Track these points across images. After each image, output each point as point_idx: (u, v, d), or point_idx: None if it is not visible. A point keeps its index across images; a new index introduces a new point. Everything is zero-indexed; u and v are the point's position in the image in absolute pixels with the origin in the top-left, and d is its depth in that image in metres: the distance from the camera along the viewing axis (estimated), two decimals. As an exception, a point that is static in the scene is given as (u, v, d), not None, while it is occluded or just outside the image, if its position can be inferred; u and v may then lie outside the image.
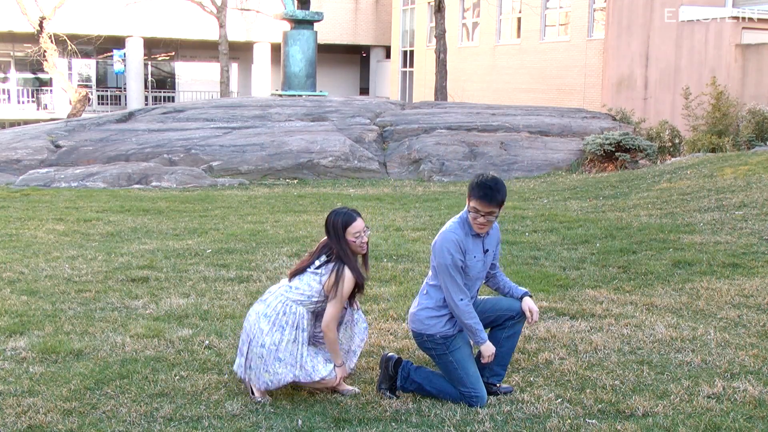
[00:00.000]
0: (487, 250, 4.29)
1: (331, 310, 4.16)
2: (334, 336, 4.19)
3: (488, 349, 4.23)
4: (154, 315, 5.73)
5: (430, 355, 4.35)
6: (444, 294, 4.19)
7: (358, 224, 4.18)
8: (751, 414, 4.01)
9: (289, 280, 4.28)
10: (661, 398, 4.22)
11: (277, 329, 4.15)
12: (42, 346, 4.95)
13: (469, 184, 4.22)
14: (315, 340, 4.34)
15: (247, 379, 4.25)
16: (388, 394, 4.27)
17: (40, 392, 4.28)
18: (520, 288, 4.49)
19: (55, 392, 4.27)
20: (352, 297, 4.27)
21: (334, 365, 4.21)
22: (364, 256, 4.30)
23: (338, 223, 4.16)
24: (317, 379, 4.16)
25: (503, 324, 4.40)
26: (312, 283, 4.20)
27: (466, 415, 4.04)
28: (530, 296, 4.43)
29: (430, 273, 4.37)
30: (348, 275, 4.13)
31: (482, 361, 4.28)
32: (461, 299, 4.14)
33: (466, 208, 4.24)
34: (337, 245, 4.16)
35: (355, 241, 4.17)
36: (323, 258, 4.22)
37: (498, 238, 4.41)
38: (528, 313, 4.35)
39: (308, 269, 4.24)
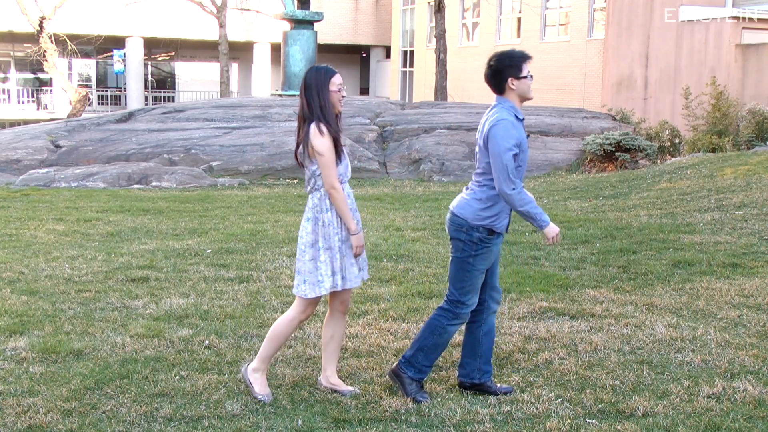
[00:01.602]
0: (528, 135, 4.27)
1: (324, 172, 4.09)
2: (341, 195, 4.12)
3: (552, 229, 4.21)
4: (154, 315, 5.73)
5: (455, 246, 4.27)
6: (496, 186, 4.15)
7: (339, 77, 4.18)
8: (751, 414, 4.01)
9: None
10: (661, 398, 4.22)
11: (314, 222, 4.18)
12: (42, 346, 4.95)
13: (503, 62, 4.17)
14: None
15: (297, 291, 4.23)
16: (425, 397, 4.25)
17: (40, 392, 4.28)
18: None
19: (55, 392, 4.27)
20: (337, 151, 4.14)
21: (350, 234, 4.17)
22: (337, 116, 4.22)
23: (322, 75, 4.14)
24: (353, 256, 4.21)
25: (479, 311, 4.37)
26: (306, 162, 4.19)
27: (466, 415, 4.04)
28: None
29: (477, 172, 4.28)
30: (313, 130, 4.06)
31: (547, 243, 4.29)
32: (513, 188, 4.12)
33: (503, 98, 4.19)
34: (317, 98, 4.11)
35: (338, 92, 4.14)
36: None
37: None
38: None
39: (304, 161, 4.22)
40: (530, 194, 4.23)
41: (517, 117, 4.18)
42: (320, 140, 4.07)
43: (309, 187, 4.22)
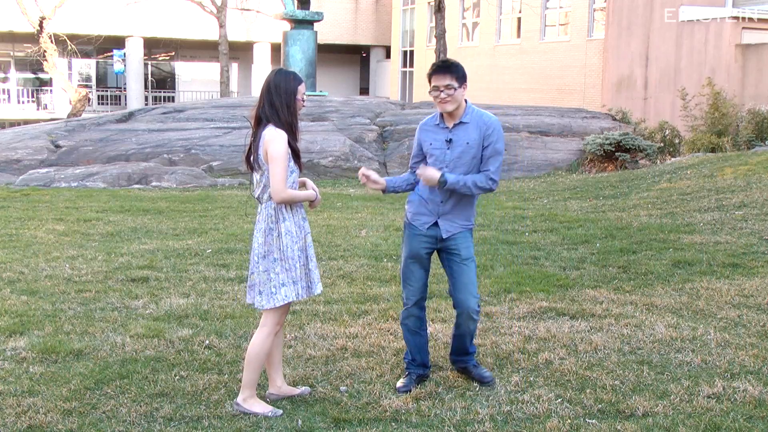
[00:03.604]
0: (450, 140, 4.32)
1: (272, 179, 3.97)
2: (288, 194, 4.00)
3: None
4: (154, 315, 5.73)
5: None
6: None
7: (304, 86, 4.09)
8: (751, 414, 4.01)
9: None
10: (661, 398, 4.22)
11: (267, 233, 4.09)
12: (42, 346, 4.95)
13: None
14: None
15: (253, 303, 4.17)
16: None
17: (40, 392, 4.28)
18: (452, 175, 4.28)
19: (55, 392, 4.27)
20: (298, 159, 4.07)
21: (314, 197, 4.13)
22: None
23: (291, 80, 4.04)
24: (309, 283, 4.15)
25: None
26: (263, 167, 4.10)
27: (466, 415, 4.04)
28: (442, 180, 4.25)
29: None
30: (271, 133, 3.97)
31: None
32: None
33: None
34: (284, 103, 4.00)
35: (301, 100, 4.05)
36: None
37: (482, 134, 4.29)
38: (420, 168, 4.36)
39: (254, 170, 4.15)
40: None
41: (435, 123, 4.42)
42: (278, 145, 3.95)
43: (265, 195, 4.09)
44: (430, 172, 4.25)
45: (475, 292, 4.40)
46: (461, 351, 4.57)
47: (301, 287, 4.10)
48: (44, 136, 15.84)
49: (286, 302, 4.07)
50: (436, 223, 4.40)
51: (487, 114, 4.39)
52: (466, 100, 4.36)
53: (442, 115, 4.37)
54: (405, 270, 4.48)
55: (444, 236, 4.39)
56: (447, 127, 4.36)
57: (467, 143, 4.31)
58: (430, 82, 4.30)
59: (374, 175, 4.40)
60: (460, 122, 4.33)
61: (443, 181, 4.25)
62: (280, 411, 4.09)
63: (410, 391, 4.34)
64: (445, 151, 4.34)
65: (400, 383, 4.41)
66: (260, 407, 4.09)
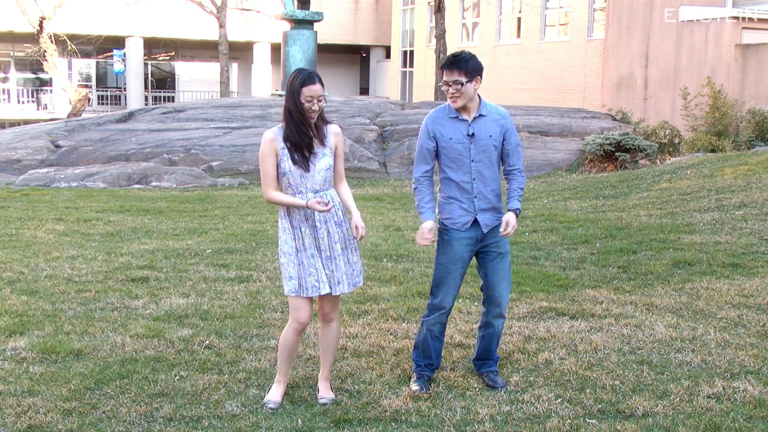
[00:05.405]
0: (473, 134, 4.26)
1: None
2: (269, 197, 4.08)
3: (422, 226, 4.28)
4: (154, 315, 5.73)
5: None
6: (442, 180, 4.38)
7: (315, 88, 4.00)
8: (751, 414, 4.01)
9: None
10: (661, 398, 4.22)
11: (280, 227, 4.17)
12: (42, 346, 4.95)
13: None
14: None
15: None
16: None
17: (40, 392, 4.28)
18: (515, 201, 4.38)
19: (55, 392, 4.27)
20: (304, 160, 4.04)
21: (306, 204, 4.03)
22: (317, 126, 4.13)
23: (296, 81, 4.02)
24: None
25: (484, 313, 4.53)
26: None
27: (466, 415, 4.04)
28: (517, 213, 4.35)
29: None
30: (264, 135, 4.06)
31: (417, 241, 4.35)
32: (415, 176, 4.39)
33: None
34: (289, 102, 4.02)
35: (304, 104, 4.03)
36: None
37: (502, 128, 4.34)
38: (503, 225, 4.29)
39: None
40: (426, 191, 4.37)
41: (450, 115, 4.33)
42: (263, 144, 4.06)
43: None
44: (513, 224, 4.27)
45: (509, 289, 4.46)
46: (487, 355, 4.55)
47: (298, 284, 4.11)
48: (44, 136, 15.84)
49: (290, 294, 4.11)
50: (475, 222, 4.30)
51: (500, 107, 4.42)
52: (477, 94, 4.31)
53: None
54: (445, 275, 4.34)
55: (484, 231, 4.32)
56: (466, 120, 4.28)
57: (490, 136, 4.28)
58: (442, 75, 4.29)
59: (433, 231, 4.29)
60: (480, 115, 4.29)
61: (519, 210, 4.35)
62: (272, 405, 4.14)
63: (429, 390, 4.34)
64: (468, 145, 4.26)
65: (416, 386, 4.34)
66: (270, 393, 4.24)
